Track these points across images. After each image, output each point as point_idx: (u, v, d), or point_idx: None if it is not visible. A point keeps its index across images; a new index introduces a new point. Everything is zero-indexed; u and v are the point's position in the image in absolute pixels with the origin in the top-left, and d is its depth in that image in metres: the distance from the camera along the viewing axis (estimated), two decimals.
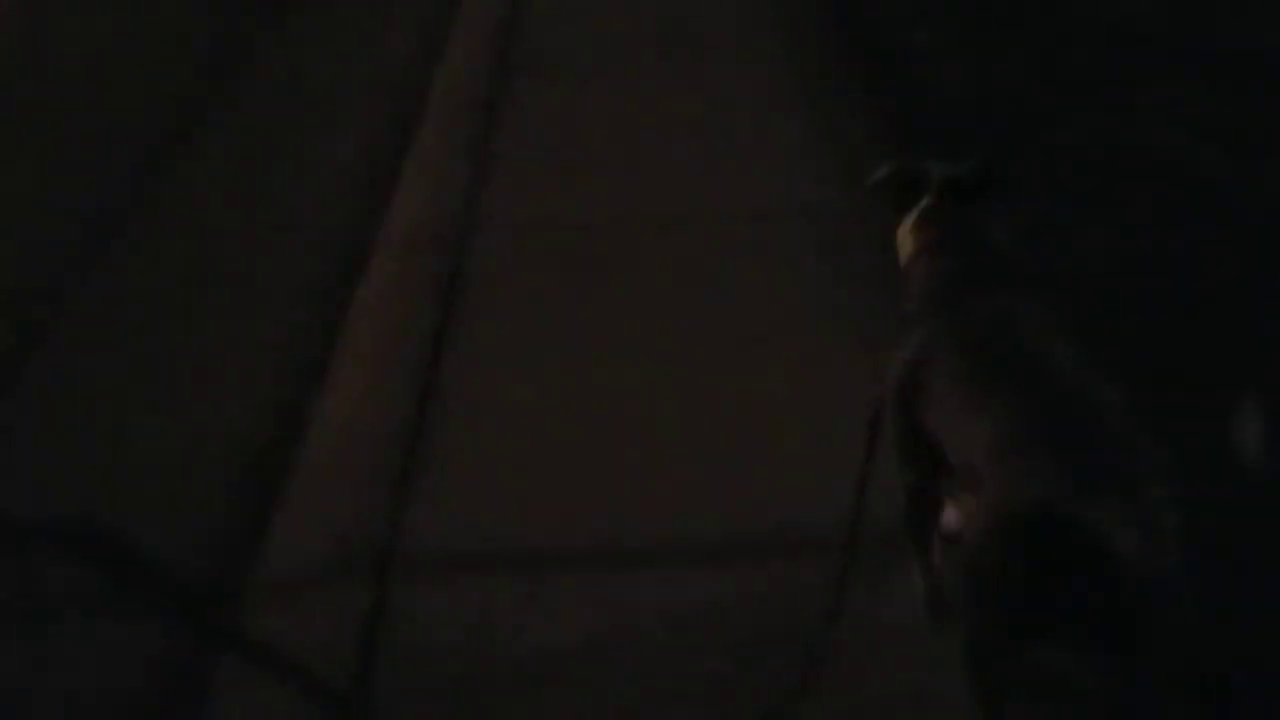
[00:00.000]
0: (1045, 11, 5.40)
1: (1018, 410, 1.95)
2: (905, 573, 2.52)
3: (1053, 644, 1.94)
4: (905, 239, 2.38)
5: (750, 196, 4.18)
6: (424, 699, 2.49)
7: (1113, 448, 1.87)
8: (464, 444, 3.17)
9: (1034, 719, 2.06)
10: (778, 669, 2.43)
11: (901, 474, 2.34)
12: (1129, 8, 5.30)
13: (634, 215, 4.14)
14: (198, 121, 5.16)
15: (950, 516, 2.34)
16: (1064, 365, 2.01)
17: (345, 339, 3.71)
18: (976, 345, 2.13)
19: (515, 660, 2.55)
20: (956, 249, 2.30)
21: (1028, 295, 2.20)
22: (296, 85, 5.50)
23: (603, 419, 3.20)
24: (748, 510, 2.85)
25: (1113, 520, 1.77)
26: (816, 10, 5.69)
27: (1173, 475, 1.83)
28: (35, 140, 5.15)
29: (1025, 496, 1.85)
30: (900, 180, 2.43)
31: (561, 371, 3.39)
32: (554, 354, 3.47)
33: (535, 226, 4.16)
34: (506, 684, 2.50)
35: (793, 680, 2.39)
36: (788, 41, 5.34)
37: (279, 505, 3.07)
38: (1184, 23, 5.12)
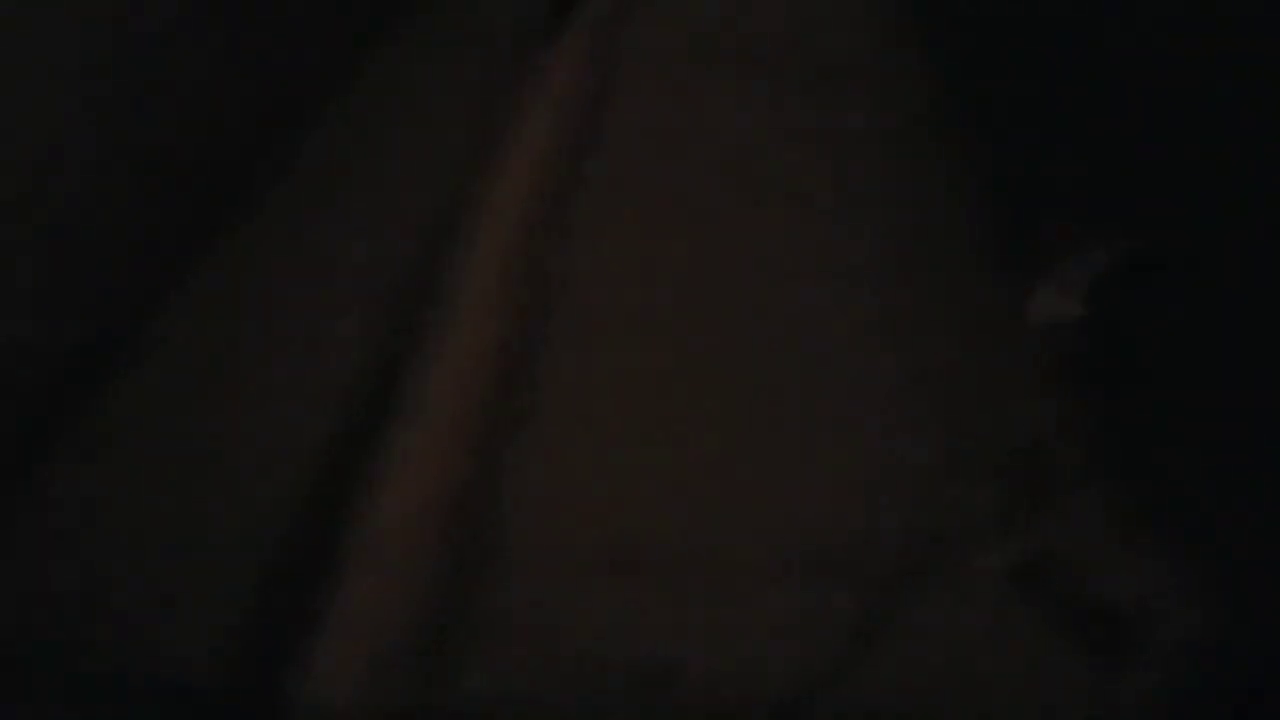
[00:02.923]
0: None
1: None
2: None
3: None
4: (1049, 301, 2.27)
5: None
6: None
7: None
8: None
9: None
10: None
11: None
12: None
13: None
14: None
15: None
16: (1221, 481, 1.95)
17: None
18: (1115, 445, 2.06)
19: None
20: (1108, 331, 2.20)
21: (1179, 402, 2.12)
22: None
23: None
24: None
25: None
26: None
27: None
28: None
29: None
30: (1066, 242, 2.33)
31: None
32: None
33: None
34: None
35: None
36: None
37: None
38: None
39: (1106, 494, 1.99)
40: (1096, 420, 2.10)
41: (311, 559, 3.00)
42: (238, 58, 5.79)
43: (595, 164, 4.90)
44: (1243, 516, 1.89)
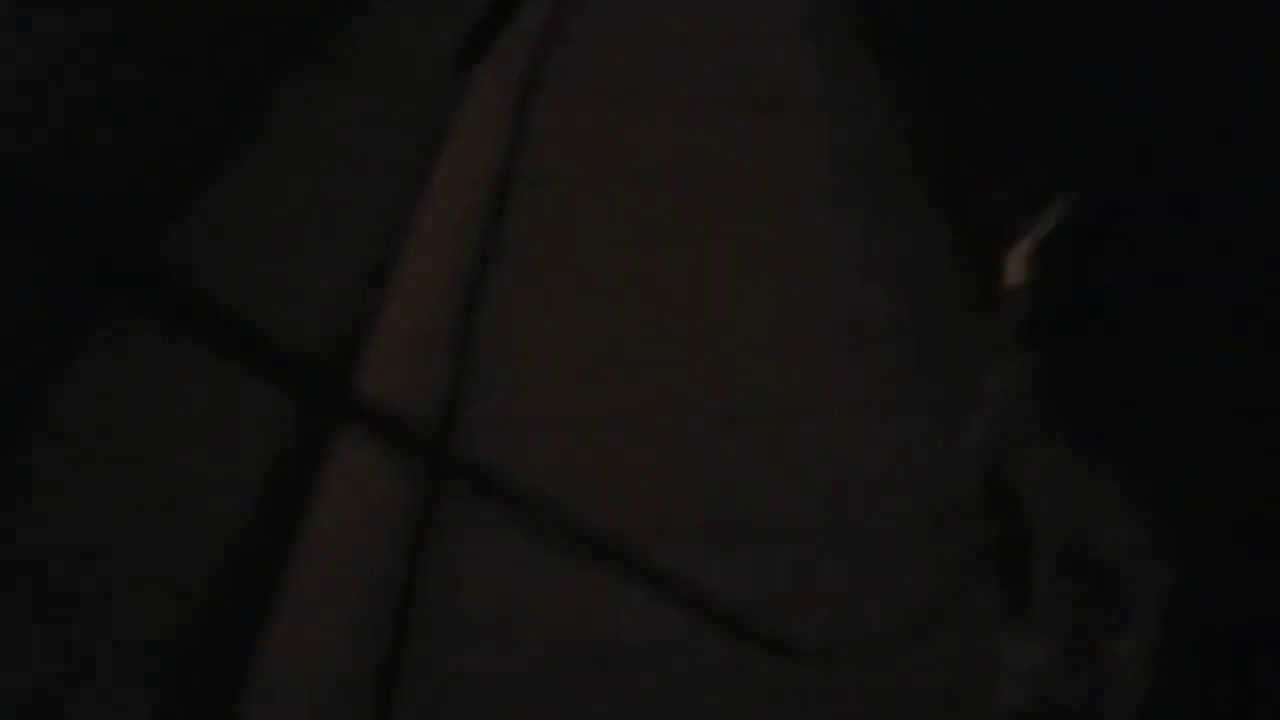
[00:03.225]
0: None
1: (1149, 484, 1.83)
2: None
3: None
4: (1015, 266, 2.20)
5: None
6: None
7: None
8: None
9: None
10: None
11: (987, 526, 2.19)
12: None
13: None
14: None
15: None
16: (1189, 427, 1.92)
17: None
18: (1081, 397, 2.03)
19: None
20: (1065, 288, 2.14)
21: (1140, 346, 2.11)
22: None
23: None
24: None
25: None
26: None
27: None
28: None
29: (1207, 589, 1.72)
30: (1026, 192, 2.23)
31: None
32: None
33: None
34: None
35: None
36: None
37: None
38: None
39: (1076, 454, 1.94)
40: (1059, 381, 2.05)
41: None
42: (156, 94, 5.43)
43: (526, 198, 4.53)
44: (1211, 466, 1.88)
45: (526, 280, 3.93)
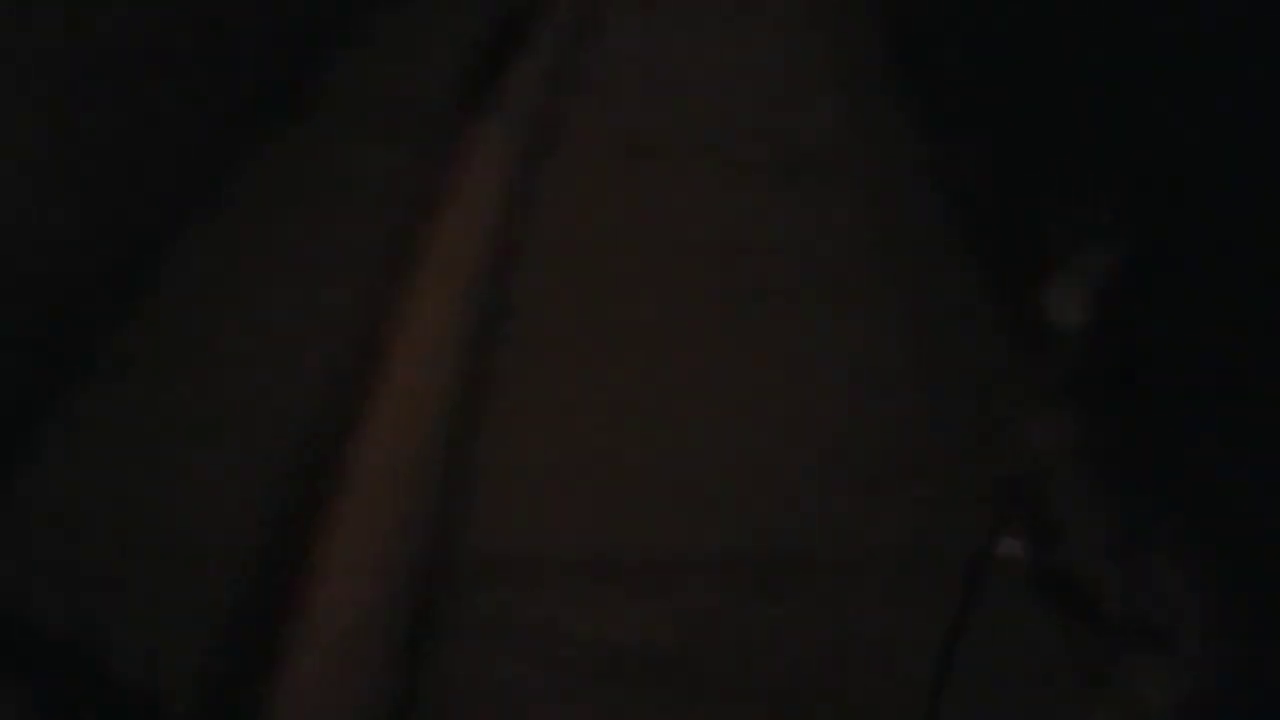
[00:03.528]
0: None
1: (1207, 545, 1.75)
2: None
3: None
4: (1053, 303, 2.19)
5: None
6: None
7: None
8: None
9: None
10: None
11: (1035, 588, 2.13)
12: None
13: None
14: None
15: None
16: (1243, 483, 1.81)
17: None
18: (1129, 447, 1.94)
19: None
20: (1114, 331, 2.10)
21: (1190, 394, 1.99)
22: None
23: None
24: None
25: None
26: None
27: None
28: None
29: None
30: (1075, 229, 2.20)
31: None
32: None
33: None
34: None
35: None
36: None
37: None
38: None
39: (1114, 506, 1.93)
40: (1107, 429, 2.03)
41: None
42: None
43: (532, 275, 4.07)
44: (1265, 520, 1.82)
45: (524, 393, 3.49)
